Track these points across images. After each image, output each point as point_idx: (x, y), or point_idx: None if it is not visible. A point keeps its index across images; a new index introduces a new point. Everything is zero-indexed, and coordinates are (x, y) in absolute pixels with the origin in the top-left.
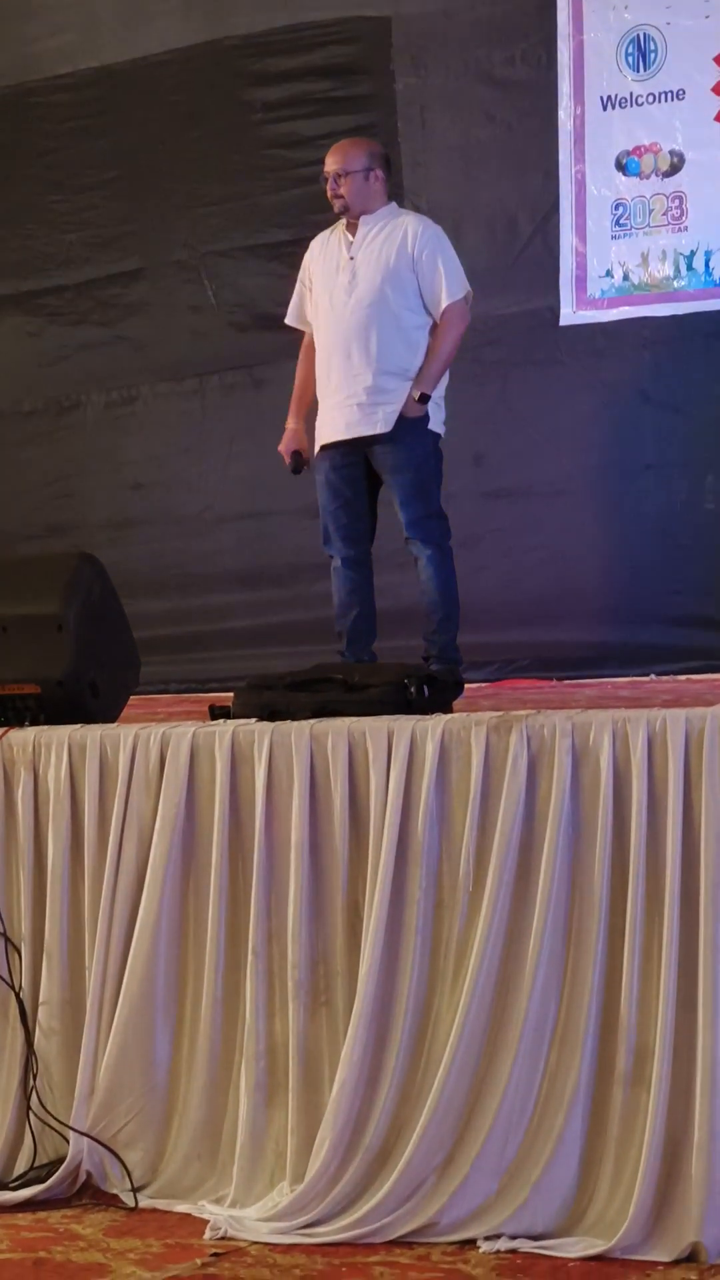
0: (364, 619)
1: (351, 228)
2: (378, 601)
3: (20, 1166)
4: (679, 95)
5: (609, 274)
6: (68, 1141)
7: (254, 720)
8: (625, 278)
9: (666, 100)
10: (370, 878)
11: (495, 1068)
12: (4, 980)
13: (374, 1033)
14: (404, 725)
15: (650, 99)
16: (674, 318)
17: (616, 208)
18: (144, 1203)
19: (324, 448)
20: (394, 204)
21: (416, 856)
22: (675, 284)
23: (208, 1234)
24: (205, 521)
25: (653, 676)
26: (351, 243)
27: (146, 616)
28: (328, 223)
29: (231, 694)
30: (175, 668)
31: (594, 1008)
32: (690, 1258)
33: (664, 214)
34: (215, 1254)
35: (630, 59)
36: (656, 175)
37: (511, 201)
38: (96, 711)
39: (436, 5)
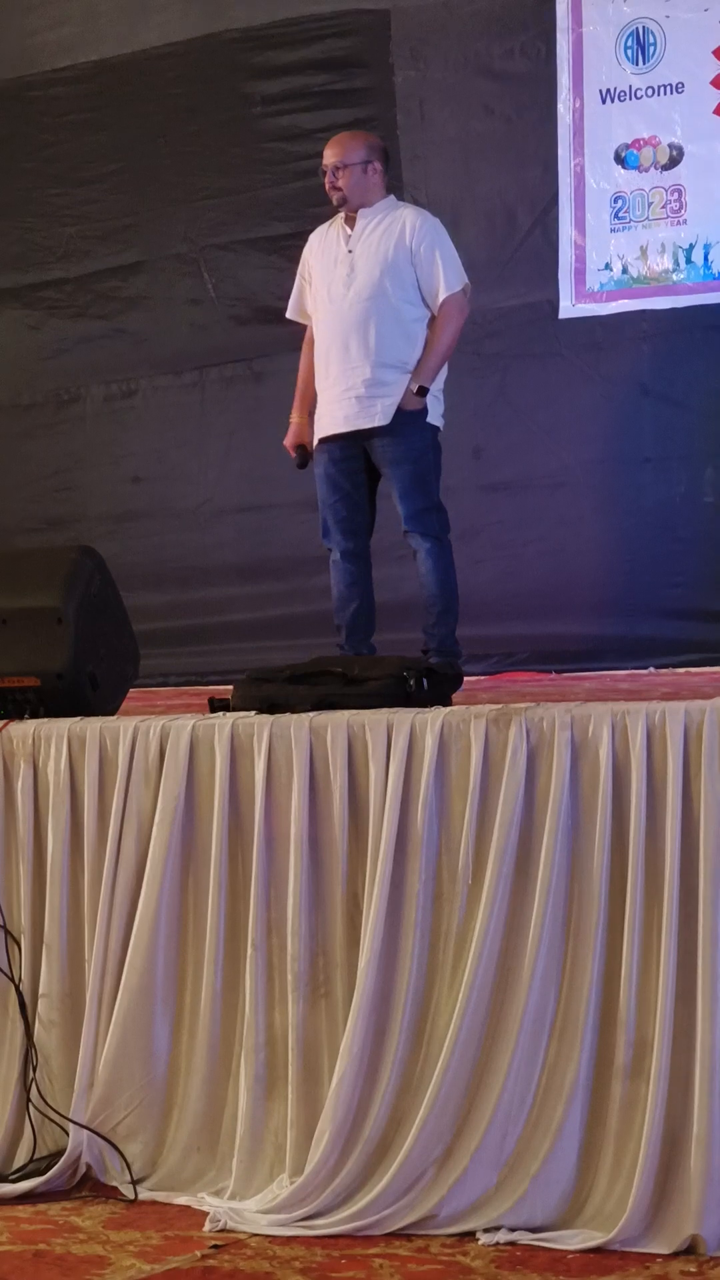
0: (363, 612)
1: (350, 221)
2: (377, 594)
3: (20, 1159)
4: (678, 88)
5: (608, 267)
6: (67, 1134)
7: (253, 713)
8: (624, 271)
9: (665, 93)
10: (370, 870)
11: (494, 1060)
12: (4, 973)
13: (373, 1025)
14: (403, 718)
15: (649, 92)
16: (673, 311)
17: (615, 201)
18: (144, 1195)
19: (323, 440)
20: (392, 197)
21: (416, 849)
22: (674, 277)
23: (207, 1226)
24: (205, 515)
25: (651, 669)
26: (350, 236)
27: (146, 609)
28: (327, 216)
29: (231, 687)
30: (175, 661)
31: (593, 1000)
32: (689, 1250)
33: (663, 207)
34: (215, 1246)
35: (629, 52)
36: (655, 168)
37: (510, 194)
38: (96, 704)
39: None
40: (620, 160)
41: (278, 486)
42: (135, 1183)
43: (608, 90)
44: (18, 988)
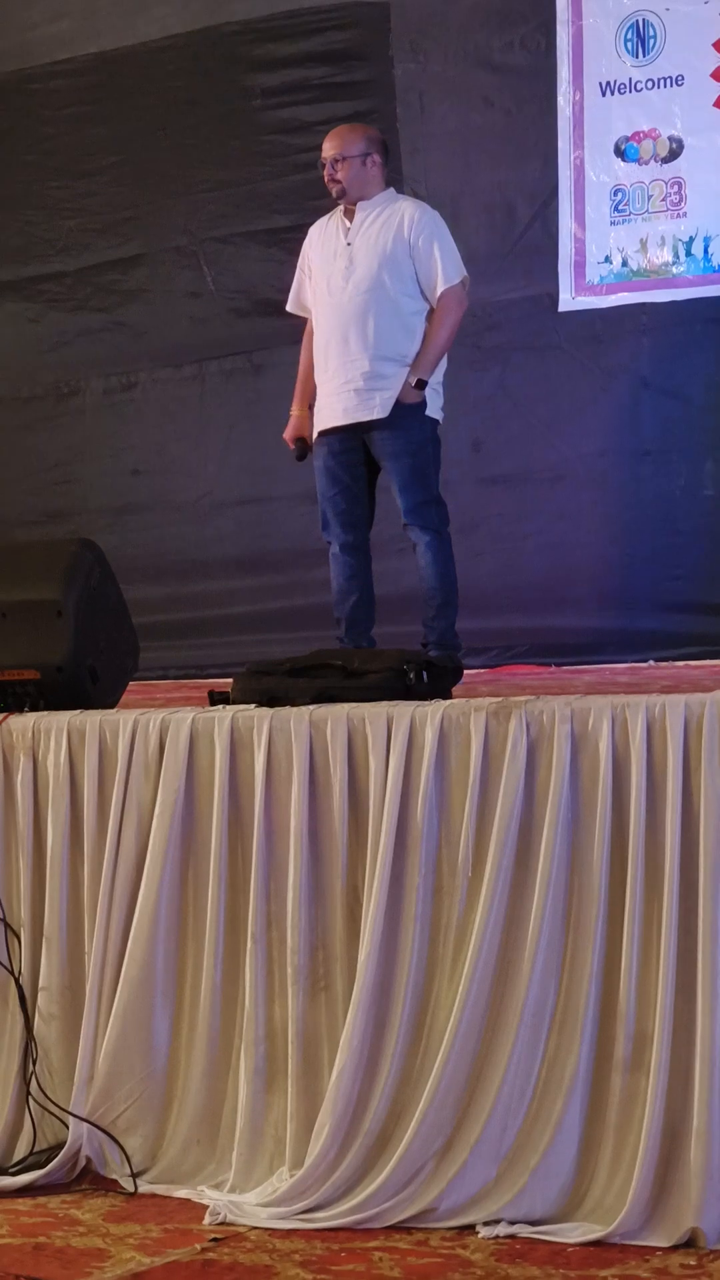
0: (362, 605)
1: (349, 214)
2: (376, 587)
3: (20, 1152)
4: (678, 81)
5: (608, 260)
6: (67, 1127)
7: (253, 706)
8: (624, 264)
9: (665, 86)
10: (369, 863)
11: (494, 1053)
12: (3, 966)
13: (373, 1018)
14: (403, 711)
15: (649, 84)
16: (673, 303)
17: (615, 193)
18: (143, 1188)
19: (322, 433)
20: (392, 190)
21: (416, 842)
22: (674, 270)
23: (207, 1219)
24: (204, 507)
25: (651, 662)
26: (349, 229)
27: (146, 602)
28: (327, 209)
29: (231, 680)
30: (174, 653)
31: (593, 993)
32: (689, 1243)
33: (663, 200)
34: (215, 1239)
35: (629, 44)
36: (655, 161)
37: (510, 187)
38: (96, 697)
39: None
40: (620, 153)
41: (277, 479)
42: (135, 1176)
43: (608, 83)
44: (17, 981)
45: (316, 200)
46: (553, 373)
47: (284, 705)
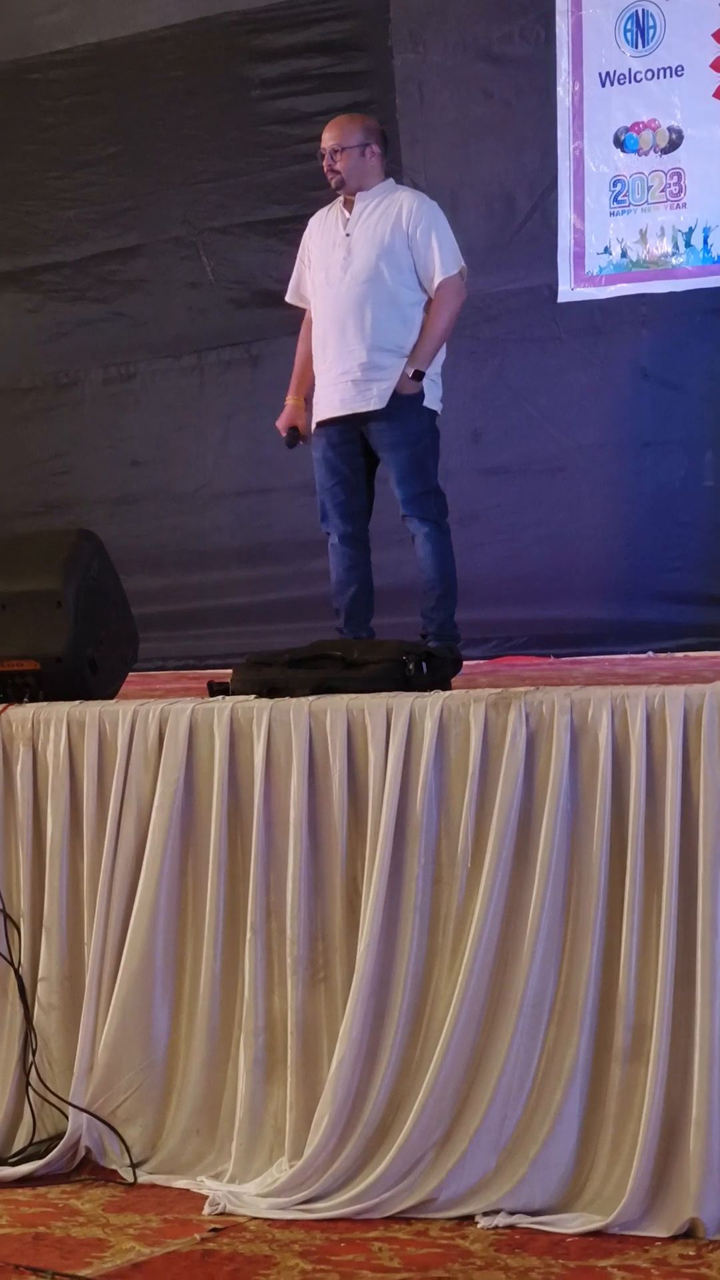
0: (362, 596)
1: (349, 205)
2: (376, 578)
3: (19, 1142)
4: (678, 71)
5: (607, 251)
6: (67, 1117)
7: (253, 697)
8: (623, 254)
9: (665, 76)
10: (369, 854)
11: (493, 1044)
12: (3, 956)
13: (373, 1008)
14: (403, 702)
15: (649, 75)
16: (672, 294)
17: (615, 184)
18: (143, 1178)
19: (320, 425)
20: (391, 180)
21: (415, 833)
22: (674, 261)
23: (207, 1209)
24: (203, 498)
25: (651, 654)
26: (348, 219)
27: (145, 593)
28: (326, 199)
29: (230, 671)
30: (173, 644)
31: (592, 984)
32: (688, 1234)
33: (662, 190)
34: (214, 1229)
35: (629, 35)
36: (655, 152)
37: (510, 178)
38: (95, 688)
39: None
40: (619, 144)
41: (276, 470)
42: (135, 1166)
43: (607, 73)
44: (17, 971)
45: (315, 191)
46: (552, 364)
47: (283, 696)
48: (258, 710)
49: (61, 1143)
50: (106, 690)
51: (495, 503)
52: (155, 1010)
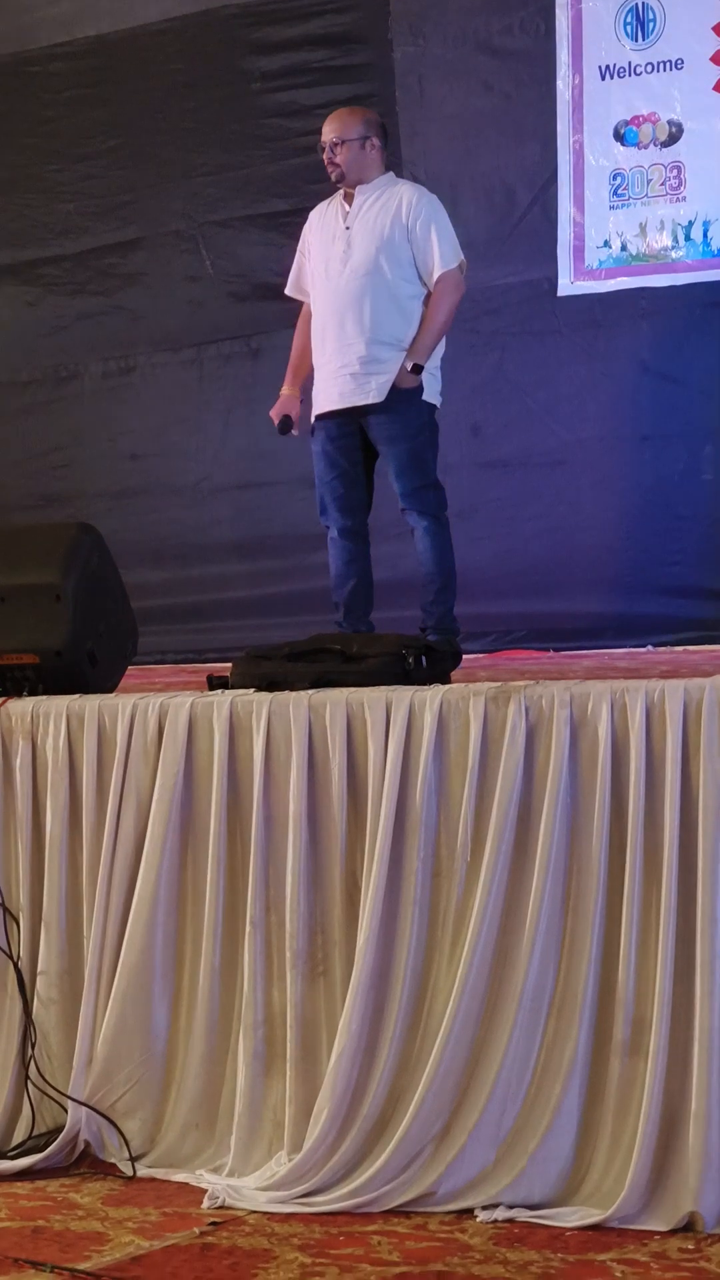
0: (361, 589)
1: (349, 198)
2: (375, 572)
3: (19, 1136)
4: (678, 65)
5: (607, 244)
6: (66, 1111)
7: (252, 691)
8: (623, 248)
9: (665, 70)
10: (368, 847)
11: (493, 1037)
12: (2, 950)
13: (372, 1002)
14: (402, 696)
15: (649, 68)
16: (672, 288)
17: (615, 178)
18: (142, 1172)
19: (319, 418)
20: (391, 174)
21: (415, 826)
22: (673, 254)
23: (206, 1203)
24: (203, 492)
25: (650, 647)
26: (348, 212)
27: (144, 587)
28: (326, 192)
29: (229, 664)
30: (173, 638)
31: (592, 977)
32: (687, 1227)
33: (662, 184)
34: (213, 1223)
35: (629, 28)
36: (655, 145)
37: (509, 171)
38: (95, 681)
39: None
40: (619, 137)
41: (275, 464)
42: (134, 1160)
43: (607, 67)
44: (16, 965)
45: (315, 184)
46: (552, 357)
47: (283, 690)
48: (257, 704)
49: (61, 1136)
50: (106, 684)
51: (495, 496)
52: (154, 1004)
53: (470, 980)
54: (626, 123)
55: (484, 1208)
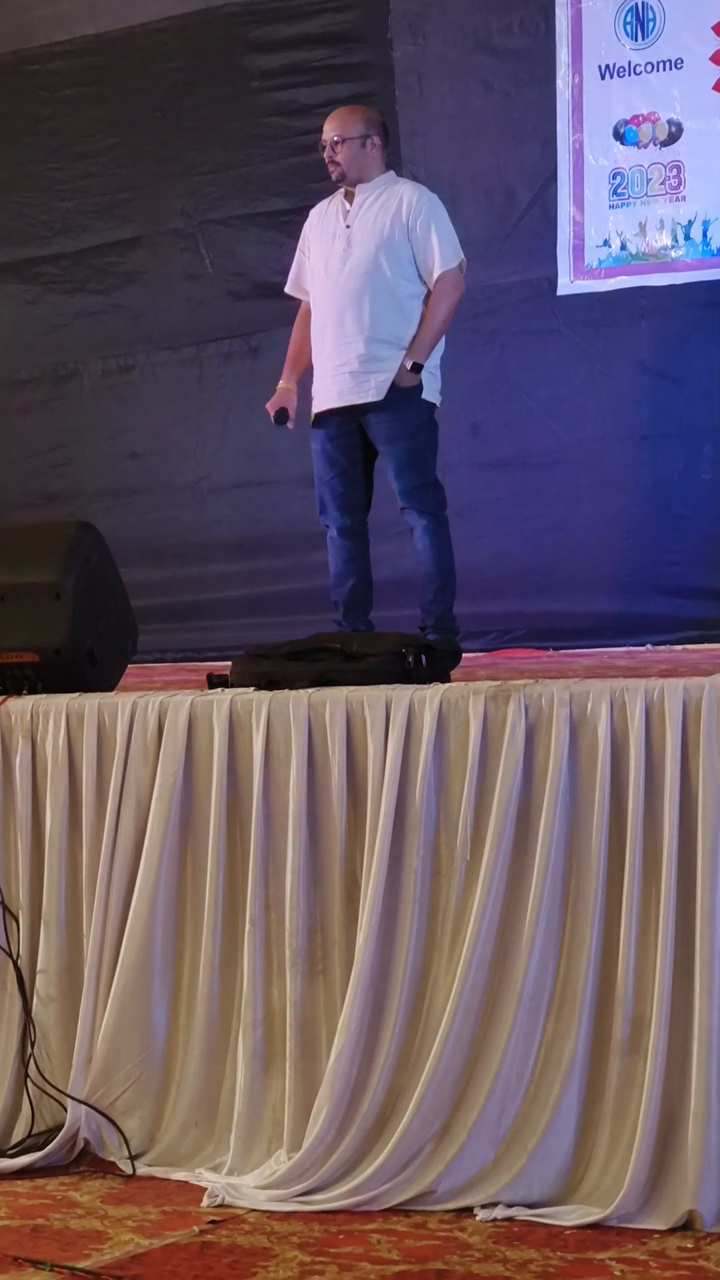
0: (360, 588)
1: (349, 196)
2: (375, 571)
3: (18, 1134)
4: (677, 64)
5: (606, 243)
6: (65, 1109)
7: (252, 689)
8: (623, 247)
9: (665, 69)
10: (368, 846)
11: (492, 1036)
12: (2, 949)
13: (371, 1001)
14: (402, 694)
15: (648, 68)
16: (671, 287)
17: (614, 177)
18: (141, 1170)
19: (319, 416)
20: (391, 173)
21: (414, 825)
22: (673, 254)
23: (205, 1201)
24: (202, 490)
25: (649, 646)
26: (348, 211)
27: (144, 585)
28: (325, 191)
29: (229, 663)
30: (172, 637)
31: (591, 976)
32: (686, 1226)
33: (662, 183)
34: (213, 1221)
35: (629, 28)
36: (654, 144)
37: (509, 171)
38: (94, 680)
39: None
40: (619, 136)
41: (275, 462)
42: (133, 1158)
43: (607, 66)
44: (16, 963)
45: (315, 183)
46: (551, 356)
47: (282, 688)
48: (257, 702)
49: (60, 1135)
50: (105, 682)
51: (494, 495)
52: (154, 1002)
53: (470, 979)
54: (626, 122)
55: (483, 1206)
